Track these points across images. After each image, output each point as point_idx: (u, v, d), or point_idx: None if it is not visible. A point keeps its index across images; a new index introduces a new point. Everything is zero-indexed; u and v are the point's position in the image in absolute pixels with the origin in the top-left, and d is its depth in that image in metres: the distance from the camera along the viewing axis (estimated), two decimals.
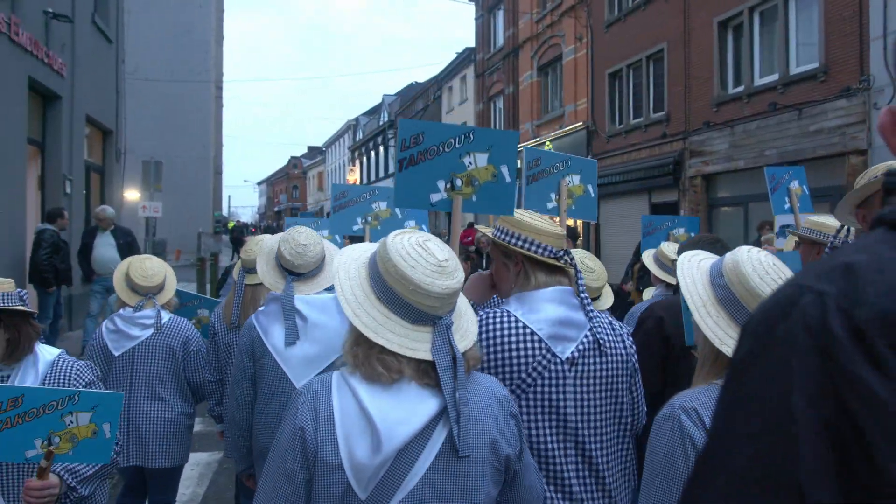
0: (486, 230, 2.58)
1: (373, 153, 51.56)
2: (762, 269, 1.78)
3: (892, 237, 0.63)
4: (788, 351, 0.59)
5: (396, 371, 1.69)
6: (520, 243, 2.33)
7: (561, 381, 2.21)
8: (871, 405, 0.54)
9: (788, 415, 0.57)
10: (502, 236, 2.39)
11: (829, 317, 0.58)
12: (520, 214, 2.41)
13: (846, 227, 2.90)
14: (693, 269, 1.91)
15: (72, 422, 2.27)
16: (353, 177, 55.24)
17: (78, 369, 2.70)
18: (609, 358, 2.29)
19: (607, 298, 3.43)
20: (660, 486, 1.74)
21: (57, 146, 11.52)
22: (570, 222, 4.08)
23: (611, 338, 2.32)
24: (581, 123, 22.93)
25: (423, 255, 1.74)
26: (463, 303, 1.90)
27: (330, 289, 3.17)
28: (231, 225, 44.78)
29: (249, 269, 3.81)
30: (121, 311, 3.91)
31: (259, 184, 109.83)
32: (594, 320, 2.29)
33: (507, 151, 2.82)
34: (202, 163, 33.12)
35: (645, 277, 12.22)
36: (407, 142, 2.73)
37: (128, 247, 10.34)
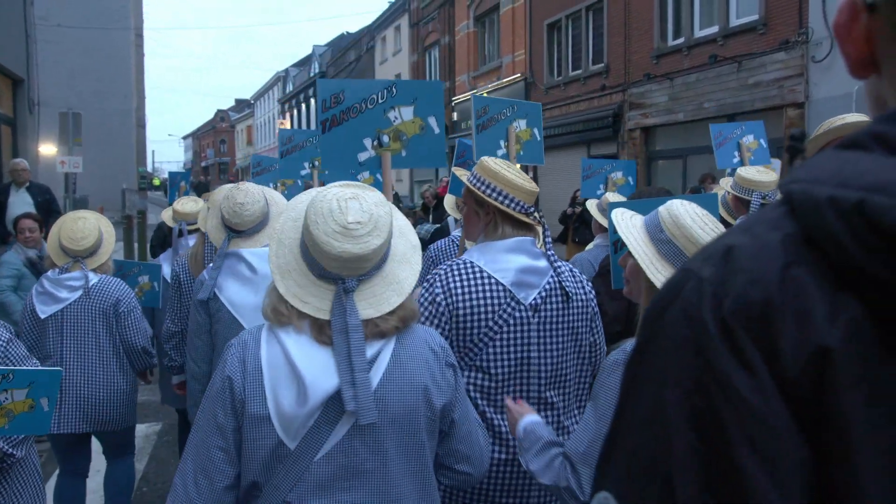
0: (464, 174, 2.61)
1: (303, 105, 50.18)
2: (700, 220, 1.83)
3: (780, 213, 0.60)
4: (669, 342, 0.59)
5: (286, 317, 1.72)
6: (493, 195, 2.38)
7: (525, 327, 2.31)
8: (732, 403, 0.53)
9: (663, 408, 0.58)
10: (478, 184, 2.42)
11: (703, 306, 0.57)
12: (498, 166, 2.41)
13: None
14: (632, 229, 1.93)
15: (6, 399, 2.26)
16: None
17: None
18: (572, 303, 2.39)
19: None
20: (594, 428, 1.81)
21: None
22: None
23: (573, 283, 2.43)
24: (519, 75, 22.60)
25: (335, 213, 1.70)
26: (402, 269, 1.85)
27: None
28: (157, 182, 43.13)
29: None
30: (49, 272, 3.80)
31: (184, 138, 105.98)
32: (557, 266, 2.40)
33: (432, 102, 2.74)
34: (124, 115, 31.41)
35: (580, 229, 12.19)
36: (328, 102, 2.65)
37: (46, 205, 9.60)
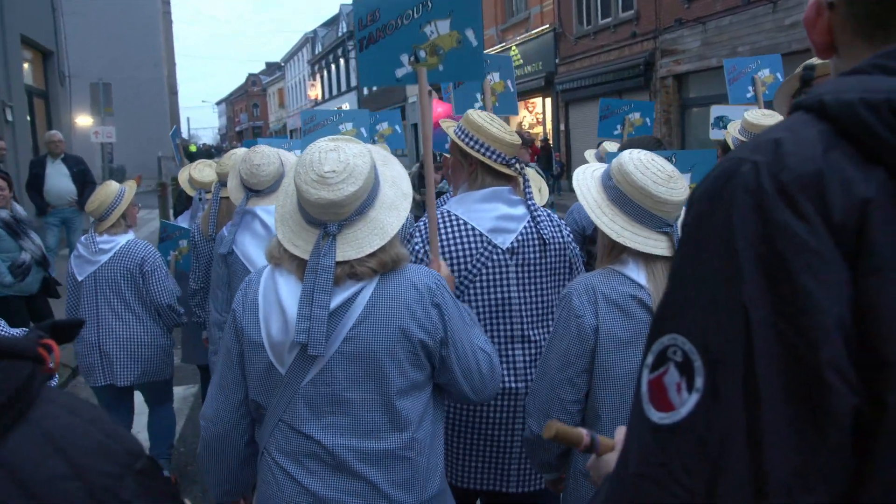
0: (450, 126, 2.66)
1: (333, 66, 49.96)
2: (642, 165, 1.97)
3: (808, 118, 0.77)
4: (731, 206, 0.74)
5: (277, 258, 1.94)
6: (476, 146, 2.52)
7: (503, 269, 2.46)
8: (793, 243, 0.70)
9: (734, 253, 0.72)
10: (462, 137, 2.56)
11: (762, 179, 0.73)
12: (481, 119, 2.54)
13: None
14: (588, 179, 2.12)
15: None
16: (315, 91, 53.72)
17: None
18: (549, 247, 2.52)
19: (541, 197, 3.57)
20: (552, 357, 2.01)
21: None
22: (530, 129, 4.18)
23: (550, 228, 2.55)
24: (547, 26, 22.16)
25: (314, 163, 1.86)
26: (387, 214, 1.95)
27: None
28: (193, 148, 43.53)
29: (223, 182, 3.97)
30: (82, 237, 4.10)
31: (218, 104, 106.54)
32: (535, 213, 2.53)
33: (470, 14, 2.66)
34: (156, 83, 31.65)
35: None
36: (364, 20, 2.64)
37: (81, 175, 9.75)
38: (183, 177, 5.24)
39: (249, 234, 3.42)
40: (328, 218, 1.88)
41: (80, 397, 0.85)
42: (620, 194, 2.00)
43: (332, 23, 53.78)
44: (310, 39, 57.75)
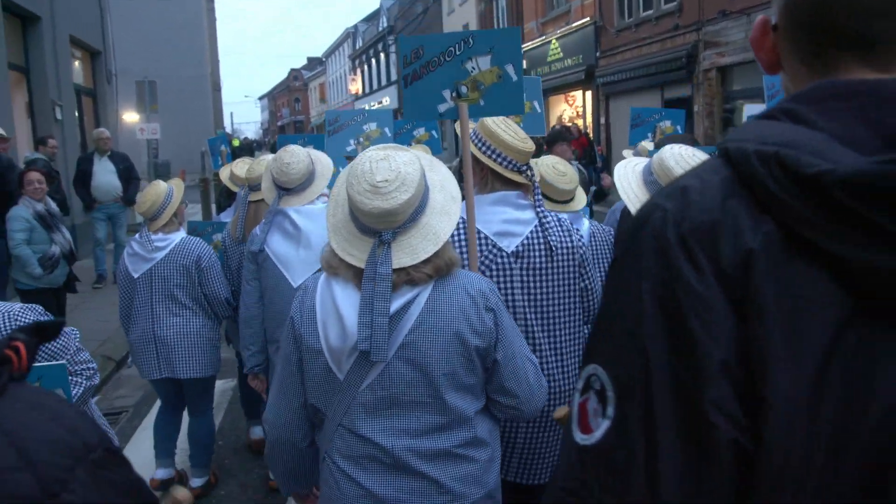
0: (474, 150, 2.67)
1: (373, 61, 50.17)
2: (683, 160, 2.02)
3: (718, 163, 0.84)
4: (642, 251, 0.82)
5: (335, 268, 1.96)
6: (488, 153, 2.58)
7: (508, 273, 2.50)
8: (686, 290, 0.77)
9: (640, 294, 0.80)
10: (476, 142, 2.62)
11: (667, 227, 0.80)
12: (495, 125, 2.60)
13: None
14: (629, 174, 2.17)
15: None
16: (356, 86, 54.03)
17: (14, 317, 2.57)
18: (556, 252, 2.53)
19: (580, 200, 3.51)
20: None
21: (41, 70, 11.01)
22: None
23: (558, 232, 2.56)
24: (588, 19, 21.94)
25: (366, 174, 1.89)
26: (438, 220, 1.98)
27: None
28: (236, 143, 44.16)
29: (252, 186, 4.11)
30: (136, 235, 4.20)
31: (260, 98, 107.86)
32: (543, 218, 2.55)
33: (510, 50, 2.74)
34: (199, 80, 32.24)
35: None
36: (408, 58, 2.74)
37: (126, 172, 10.00)
38: (224, 174, 5.33)
39: (280, 234, 3.51)
40: (383, 226, 1.91)
41: (53, 394, 0.89)
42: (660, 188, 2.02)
43: (372, 18, 53.98)
44: (351, 34, 58.05)
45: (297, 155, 3.55)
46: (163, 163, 24.71)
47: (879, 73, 0.83)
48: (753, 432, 0.74)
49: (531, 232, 2.55)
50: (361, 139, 4.92)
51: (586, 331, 2.69)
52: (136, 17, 28.37)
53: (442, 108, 2.76)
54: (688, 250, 0.78)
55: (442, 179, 2.11)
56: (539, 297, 2.54)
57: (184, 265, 4.10)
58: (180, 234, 4.17)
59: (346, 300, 1.93)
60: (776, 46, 0.94)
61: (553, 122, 26.55)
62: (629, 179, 2.14)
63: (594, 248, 3.29)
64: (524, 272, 2.52)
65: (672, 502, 0.75)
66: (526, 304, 2.52)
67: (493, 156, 2.58)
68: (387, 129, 4.96)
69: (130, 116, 19.01)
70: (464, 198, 2.81)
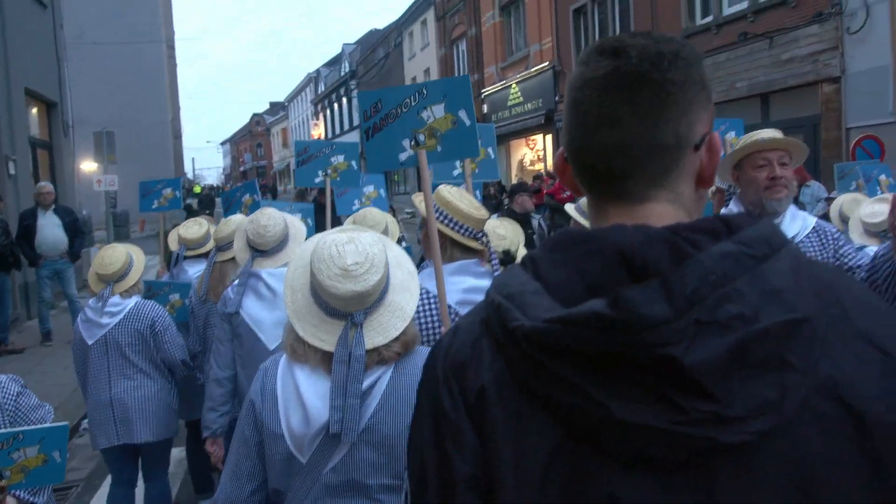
0: (421, 201, 2.81)
1: (336, 105, 50.42)
2: None
3: (482, 305, 0.97)
4: (423, 380, 1.00)
5: (302, 356, 1.95)
6: (445, 221, 2.69)
7: None
8: (443, 415, 0.92)
9: (419, 418, 0.98)
10: (434, 212, 2.72)
11: (437, 365, 0.97)
12: (450, 196, 2.73)
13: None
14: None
15: (20, 456, 2.39)
16: (318, 131, 54.14)
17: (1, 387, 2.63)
18: None
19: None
20: None
21: None
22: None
23: None
24: (547, 64, 22.35)
25: (335, 258, 1.92)
26: (402, 296, 2.04)
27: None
28: (198, 189, 43.81)
29: (220, 246, 4.17)
30: (90, 301, 4.17)
31: (222, 144, 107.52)
32: None
33: (461, 96, 2.88)
34: (160, 127, 31.99)
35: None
36: (368, 112, 2.88)
37: (72, 224, 9.79)
38: (172, 238, 5.32)
39: (255, 297, 3.53)
40: (354, 308, 1.94)
41: None
42: None
43: (334, 62, 54.42)
44: (313, 79, 58.41)
45: (273, 218, 3.63)
46: (121, 213, 24.38)
47: (636, 204, 0.95)
48: None
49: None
50: (329, 171, 5.04)
51: None
52: (94, 64, 28.18)
53: (402, 156, 2.87)
54: (447, 381, 0.94)
55: (397, 256, 2.15)
56: None
57: (138, 330, 4.08)
58: (135, 299, 4.15)
59: (311, 386, 1.93)
60: (573, 175, 1.03)
61: (515, 165, 26.84)
62: None
63: None
64: None
65: None
66: None
67: (451, 224, 2.69)
68: (353, 163, 5.07)
69: (89, 166, 18.74)
70: (423, 262, 2.77)
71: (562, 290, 0.86)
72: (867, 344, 0.82)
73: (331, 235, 2.01)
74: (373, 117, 2.88)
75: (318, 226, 5.54)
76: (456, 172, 4.31)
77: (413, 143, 2.85)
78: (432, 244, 2.62)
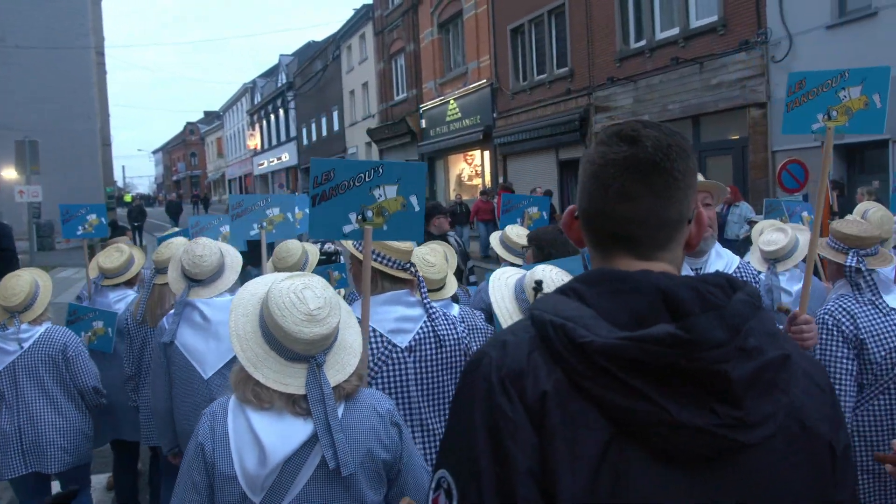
0: (349, 244, 2.94)
1: (272, 116, 49.81)
2: (553, 284, 2.16)
3: (527, 324, 1.14)
4: (474, 388, 1.10)
5: (268, 401, 1.98)
6: (374, 256, 2.79)
7: (402, 367, 2.73)
8: (503, 417, 1.04)
9: (472, 420, 1.08)
10: (360, 248, 2.84)
11: (492, 372, 1.08)
12: None
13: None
14: (502, 287, 2.35)
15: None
16: (254, 141, 53.35)
17: None
18: (444, 343, 2.81)
19: (450, 287, 3.69)
20: None
21: None
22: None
23: (445, 326, 2.84)
24: (485, 81, 22.56)
25: (297, 303, 1.99)
26: (349, 334, 2.17)
27: (232, 290, 3.65)
28: (128, 198, 42.54)
29: (159, 269, 4.15)
30: None
31: (154, 152, 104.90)
32: (431, 313, 2.83)
33: (415, 182, 2.96)
34: (88, 135, 30.79)
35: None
36: (319, 178, 2.88)
37: None
38: (92, 267, 5.17)
39: (190, 327, 3.52)
40: (316, 350, 2.02)
41: None
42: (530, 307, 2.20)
43: (271, 73, 53.79)
44: (249, 89, 57.58)
45: (209, 248, 3.63)
46: (45, 223, 23.44)
47: (644, 261, 1.17)
48: None
49: (421, 328, 2.79)
50: (265, 223, 5.03)
51: None
52: (19, 70, 27.11)
53: (347, 229, 2.89)
54: (504, 388, 1.06)
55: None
56: (431, 386, 2.77)
57: (49, 355, 3.98)
58: (45, 325, 4.05)
59: (267, 425, 1.96)
60: (579, 230, 1.26)
61: (453, 180, 26.96)
62: (503, 293, 2.32)
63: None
64: (417, 364, 2.75)
65: None
66: (420, 394, 2.74)
67: (379, 258, 2.83)
68: (289, 214, 5.06)
69: (10, 174, 17.99)
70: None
71: (612, 317, 1.07)
72: (809, 380, 1.13)
73: (282, 283, 2.05)
74: (323, 185, 2.90)
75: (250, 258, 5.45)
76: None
77: (360, 217, 2.89)
78: (364, 280, 2.69)
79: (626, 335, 1.02)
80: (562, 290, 1.15)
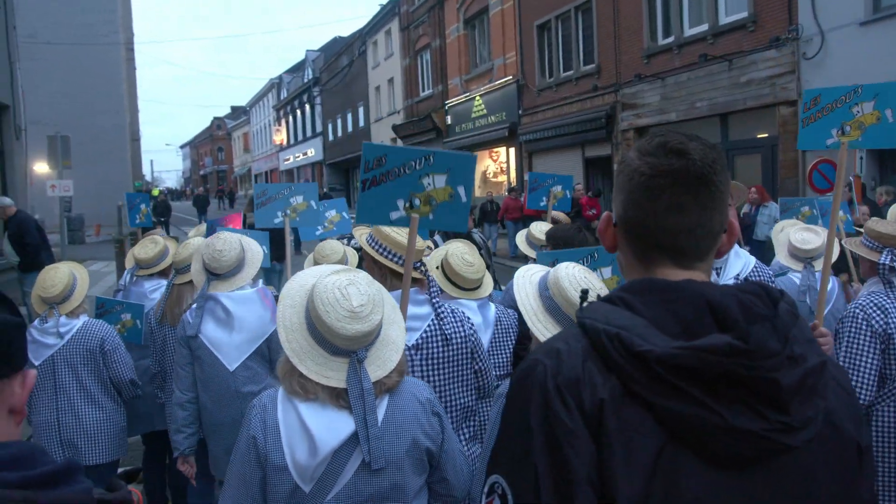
0: (363, 234, 2.99)
1: (298, 112, 50.08)
2: (575, 282, 2.21)
3: (578, 333, 1.16)
4: (530, 395, 1.13)
5: (312, 393, 2.04)
6: (384, 253, 2.84)
7: (409, 364, 2.70)
8: (560, 424, 1.08)
9: (528, 426, 1.12)
10: (373, 244, 2.89)
11: (548, 380, 1.12)
12: (388, 229, 2.87)
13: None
14: (526, 284, 2.36)
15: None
16: (280, 136, 53.67)
17: None
18: (451, 341, 2.83)
19: (487, 287, 3.70)
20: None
21: None
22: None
23: (452, 324, 2.86)
24: (511, 77, 22.48)
25: (340, 300, 2.03)
26: (392, 329, 2.19)
27: (253, 284, 3.77)
28: (156, 192, 42.98)
29: (178, 269, 4.21)
30: (35, 321, 4.07)
31: (182, 147, 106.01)
32: (439, 311, 2.86)
33: (465, 174, 2.99)
34: (117, 130, 31.29)
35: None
36: (370, 164, 2.90)
37: (13, 236, 9.46)
38: (129, 259, 5.30)
39: (213, 320, 3.60)
40: (358, 346, 2.06)
41: None
42: (554, 305, 2.22)
43: (297, 69, 54.08)
44: (275, 85, 57.93)
45: (229, 242, 3.71)
46: (76, 217, 23.78)
47: (685, 270, 1.23)
48: None
49: (429, 325, 2.82)
50: (289, 211, 5.08)
51: (481, 405, 3.04)
52: (50, 66, 27.56)
53: (394, 215, 2.92)
54: (561, 396, 1.10)
55: (381, 291, 2.29)
56: (439, 383, 2.80)
57: (88, 349, 4.02)
58: (82, 319, 4.09)
59: (317, 418, 2.02)
60: (615, 237, 1.31)
61: (478, 177, 26.91)
62: (527, 291, 2.34)
63: (499, 332, 3.50)
64: (424, 362, 2.78)
65: None
66: None
67: (388, 255, 2.84)
68: (313, 202, 5.08)
69: (42, 168, 18.28)
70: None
71: (662, 326, 1.12)
72: (837, 384, 1.19)
73: (328, 278, 2.10)
74: (374, 170, 2.91)
75: (274, 252, 5.51)
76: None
77: (408, 204, 2.92)
78: (405, 272, 2.78)
79: (683, 345, 1.07)
80: (609, 299, 1.19)
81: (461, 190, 2.98)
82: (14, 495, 0.87)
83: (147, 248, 4.87)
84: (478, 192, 26.11)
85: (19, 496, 0.87)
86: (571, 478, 1.06)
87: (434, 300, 2.89)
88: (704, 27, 14.55)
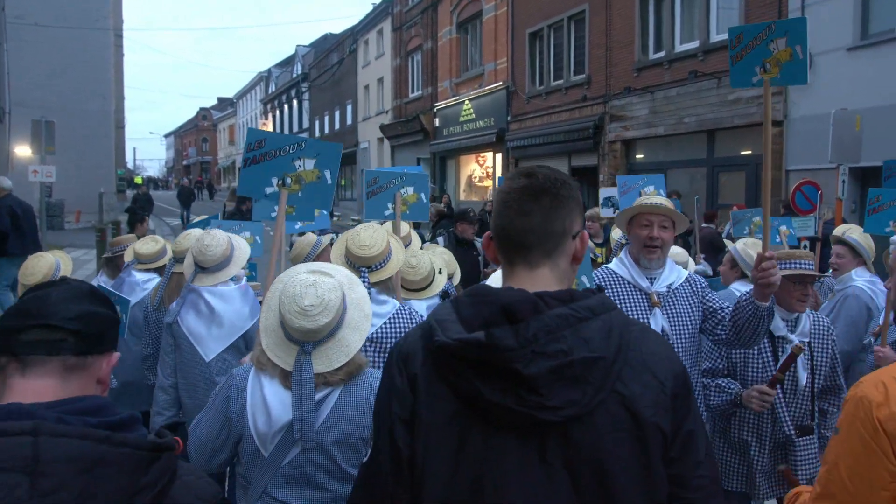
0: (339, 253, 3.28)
1: (286, 107, 49.84)
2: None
3: (426, 322, 1.56)
4: (386, 367, 1.58)
5: (265, 367, 2.38)
6: (347, 263, 3.17)
7: (364, 355, 2.93)
8: (394, 387, 1.51)
9: (382, 383, 1.58)
10: (347, 261, 3.19)
11: (393, 351, 1.57)
12: (346, 235, 3.23)
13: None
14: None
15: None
16: (267, 130, 53.26)
17: None
18: (379, 343, 3.05)
19: (436, 286, 4.17)
20: None
21: None
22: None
23: (407, 323, 3.11)
24: (501, 83, 22.53)
25: (296, 297, 2.33)
26: (350, 333, 2.42)
27: (237, 281, 4.09)
28: (138, 180, 42.56)
29: (178, 258, 4.39)
30: None
31: (166, 136, 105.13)
32: (401, 310, 3.16)
33: (331, 159, 3.56)
34: (102, 117, 30.92)
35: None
36: (252, 145, 3.46)
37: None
38: (129, 254, 5.29)
39: (194, 312, 3.84)
40: (306, 339, 2.34)
41: (194, 470, 1.46)
42: None
43: (287, 63, 53.82)
44: (264, 78, 57.62)
45: (217, 238, 3.92)
46: (56, 202, 23.51)
47: (532, 269, 1.51)
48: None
49: (385, 323, 3.06)
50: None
51: None
52: (35, 48, 27.17)
53: (268, 190, 3.46)
54: (398, 364, 1.52)
55: (359, 298, 2.53)
56: None
57: None
58: None
59: (273, 394, 2.35)
60: (495, 249, 1.58)
61: (463, 180, 26.95)
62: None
63: None
64: (376, 356, 2.98)
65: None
66: None
67: (349, 263, 3.14)
68: (423, 195, 4.78)
69: (24, 151, 18.04)
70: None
71: (468, 322, 1.43)
72: (650, 375, 1.43)
73: (301, 275, 2.40)
74: (254, 150, 3.45)
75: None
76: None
77: (280, 182, 3.45)
78: (274, 245, 3.21)
79: (456, 337, 1.41)
80: (452, 300, 1.54)
81: (327, 173, 3.51)
82: (98, 433, 1.24)
83: (148, 244, 5.01)
84: (462, 196, 26.14)
85: (102, 434, 1.24)
86: (393, 418, 1.48)
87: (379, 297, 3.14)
88: (695, 44, 14.67)
